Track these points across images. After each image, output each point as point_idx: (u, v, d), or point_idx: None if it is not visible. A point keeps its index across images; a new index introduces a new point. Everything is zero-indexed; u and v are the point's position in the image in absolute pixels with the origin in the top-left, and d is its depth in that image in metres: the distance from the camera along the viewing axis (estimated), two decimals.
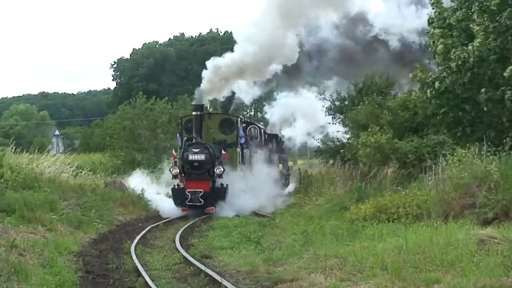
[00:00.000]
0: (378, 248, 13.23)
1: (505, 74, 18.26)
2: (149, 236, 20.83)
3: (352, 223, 17.91)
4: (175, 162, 28.79)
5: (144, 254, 16.98)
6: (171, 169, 28.64)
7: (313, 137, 37.49)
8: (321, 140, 35.12)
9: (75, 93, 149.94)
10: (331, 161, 30.37)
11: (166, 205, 28.82)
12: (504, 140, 16.68)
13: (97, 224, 22.19)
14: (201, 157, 27.24)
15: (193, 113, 29.45)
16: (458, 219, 14.94)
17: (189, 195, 26.96)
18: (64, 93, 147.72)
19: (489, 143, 17.07)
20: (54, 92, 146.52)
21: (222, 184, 27.80)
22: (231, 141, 30.66)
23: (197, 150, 27.38)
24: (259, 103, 55.77)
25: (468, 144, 18.30)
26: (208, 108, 33.29)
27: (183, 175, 27.82)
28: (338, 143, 30.91)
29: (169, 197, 29.12)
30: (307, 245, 16.17)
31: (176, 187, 27.91)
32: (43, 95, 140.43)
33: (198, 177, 27.27)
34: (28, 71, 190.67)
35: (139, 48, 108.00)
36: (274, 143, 37.83)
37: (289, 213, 24.52)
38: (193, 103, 31.84)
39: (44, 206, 20.55)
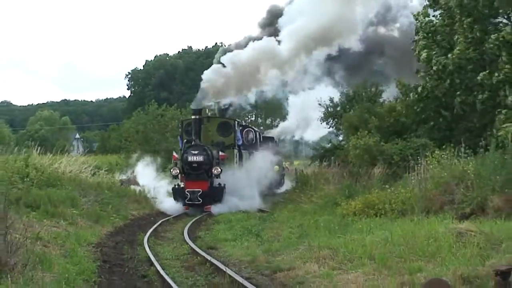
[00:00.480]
0: (366, 240, 13.24)
1: (478, 78, 18.38)
2: (160, 229, 20.85)
3: (343, 217, 17.90)
4: (176, 163, 28.05)
5: (156, 245, 17.01)
6: (171, 170, 27.87)
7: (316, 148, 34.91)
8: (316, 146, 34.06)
9: (93, 100, 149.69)
10: (325, 162, 29.93)
11: (168, 203, 27.97)
12: (480, 143, 16.68)
13: (113, 218, 22.31)
14: (200, 158, 26.43)
15: (192, 116, 28.53)
16: (438, 214, 14.99)
17: (189, 194, 26.28)
18: (84, 100, 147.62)
19: (466, 146, 17.08)
20: (75, 100, 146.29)
21: (219, 184, 27.12)
22: (229, 143, 29.97)
23: (196, 152, 26.57)
24: (259, 109, 54.57)
25: (445, 146, 18.40)
26: (207, 112, 32.24)
27: (183, 175, 27.08)
28: (330, 145, 30.56)
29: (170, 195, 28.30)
30: (302, 237, 16.20)
31: (176, 186, 27.32)
32: (65, 102, 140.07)
33: (197, 177, 26.49)
34: (51, 80, 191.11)
35: (151, 60, 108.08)
36: (270, 145, 36.48)
37: (286, 209, 24.34)
38: (192, 107, 30.49)
39: (65, 202, 20.63)
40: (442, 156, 17.43)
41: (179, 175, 27.21)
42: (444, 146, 18.70)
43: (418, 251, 11.56)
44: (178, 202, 26.88)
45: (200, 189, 26.25)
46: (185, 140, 28.50)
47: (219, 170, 26.73)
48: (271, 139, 39.94)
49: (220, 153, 27.91)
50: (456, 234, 11.97)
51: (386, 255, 11.72)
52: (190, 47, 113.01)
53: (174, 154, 29.07)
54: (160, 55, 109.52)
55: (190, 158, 26.48)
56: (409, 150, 20.77)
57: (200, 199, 26.22)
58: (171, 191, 27.75)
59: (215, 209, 26.25)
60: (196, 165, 26.43)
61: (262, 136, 37.80)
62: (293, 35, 28.09)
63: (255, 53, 29.22)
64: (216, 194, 26.86)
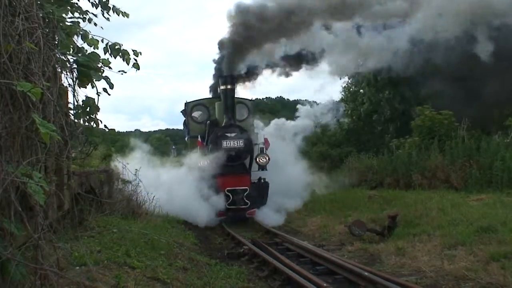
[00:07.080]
0: (322, 200, 13.11)
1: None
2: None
3: None
4: (202, 151, 11.28)
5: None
6: (199, 162, 10.99)
7: None
8: None
9: (182, 128, 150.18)
10: None
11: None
12: (382, 151, 16.58)
13: None
14: (240, 143, 11.04)
15: (222, 87, 11.32)
16: (359, 186, 14.87)
17: (231, 195, 10.75)
18: (177, 129, 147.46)
19: (373, 152, 17.04)
20: (172, 128, 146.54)
21: (260, 178, 11.54)
22: (246, 128, 11.89)
23: (233, 135, 11.04)
24: None
25: (362, 152, 18.30)
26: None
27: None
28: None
29: None
30: None
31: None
32: (168, 130, 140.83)
33: (235, 170, 11.04)
34: (161, 118, 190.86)
35: None
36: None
37: None
38: (223, 75, 11.70)
39: None
40: (360, 157, 17.34)
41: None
42: (362, 152, 18.62)
43: (348, 205, 11.48)
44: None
45: (245, 186, 10.79)
46: (208, 122, 11.83)
47: (266, 158, 11.30)
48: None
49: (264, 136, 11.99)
50: (368, 197, 11.92)
51: (332, 208, 11.64)
52: None
53: (199, 139, 11.54)
54: None
55: (225, 144, 10.92)
56: (343, 154, 20.63)
57: (247, 201, 10.73)
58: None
59: (259, 214, 10.90)
60: (234, 153, 10.97)
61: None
62: None
63: None
64: (261, 193, 11.13)
